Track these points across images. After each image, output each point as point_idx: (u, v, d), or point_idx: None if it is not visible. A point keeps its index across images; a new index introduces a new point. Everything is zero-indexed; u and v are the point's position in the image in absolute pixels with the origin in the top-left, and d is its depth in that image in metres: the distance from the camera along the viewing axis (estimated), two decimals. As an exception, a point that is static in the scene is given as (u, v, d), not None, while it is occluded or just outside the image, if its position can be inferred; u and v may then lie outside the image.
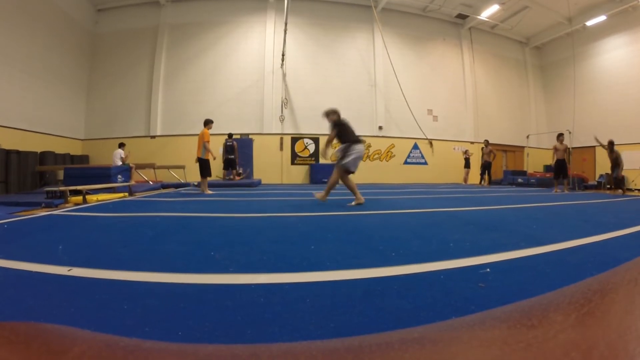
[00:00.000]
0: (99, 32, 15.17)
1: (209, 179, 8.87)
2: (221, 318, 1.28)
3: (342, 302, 1.43)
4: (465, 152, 15.77)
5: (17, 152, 10.07)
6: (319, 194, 6.06)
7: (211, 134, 8.67)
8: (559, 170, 11.18)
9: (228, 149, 11.96)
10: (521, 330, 0.26)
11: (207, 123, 8.56)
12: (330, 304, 1.41)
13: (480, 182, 14.86)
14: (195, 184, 11.33)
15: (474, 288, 1.61)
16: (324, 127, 6.18)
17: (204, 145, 8.41)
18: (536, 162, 18.34)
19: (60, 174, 10.30)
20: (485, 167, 14.49)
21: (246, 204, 5.89)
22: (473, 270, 1.91)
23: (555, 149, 11.21)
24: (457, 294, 1.55)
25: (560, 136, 11.24)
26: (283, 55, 14.37)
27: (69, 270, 1.87)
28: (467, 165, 15.64)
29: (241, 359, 0.25)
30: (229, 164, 12.08)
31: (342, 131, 5.63)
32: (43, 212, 4.75)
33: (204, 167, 8.55)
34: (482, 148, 14.74)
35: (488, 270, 1.89)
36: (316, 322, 1.25)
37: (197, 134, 8.77)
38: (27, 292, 1.58)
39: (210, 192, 8.46)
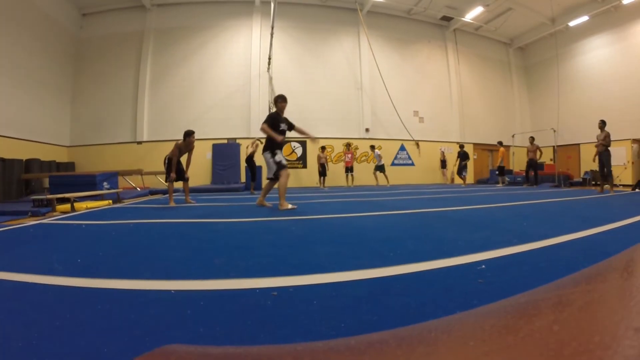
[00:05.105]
0: (84, 37, 14.89)
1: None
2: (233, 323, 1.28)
3: (348, 302, 1.44)
4: (442, 154, 16.60)
5: (2, 159, 9.85)
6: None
7: (197, 139, 8.04)
8: (529, 169, 13.86)
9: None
10: (516, 324, 0.27)
11: (187, 136, 7.60)
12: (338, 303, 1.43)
13: (500, 183, 14.57)
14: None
15: (474, 284, 1.64)
16: (312, 131, 6.20)
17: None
18: (522, 160, 18.57)
19: (46, 182, 10.10)
20: (531, 165, 13.84)
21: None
22: (470, 267, 1.94)
23: (528, 150, 13.86)
24: (457, 290, 1.57)
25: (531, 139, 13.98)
26: (269, 59, 14.32)
27: (64, 279, 1.84)
28: (444, 165, 16.44)
29: (246, 358, 0.26)
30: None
31: None
32: (31, 222, 4.67)
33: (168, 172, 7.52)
34: (528, 146, 14.09)
35: (483, 267, 1.92)
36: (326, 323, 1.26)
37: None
38: (19, 303, 1.56)
39: (173, 204, 6.99)
